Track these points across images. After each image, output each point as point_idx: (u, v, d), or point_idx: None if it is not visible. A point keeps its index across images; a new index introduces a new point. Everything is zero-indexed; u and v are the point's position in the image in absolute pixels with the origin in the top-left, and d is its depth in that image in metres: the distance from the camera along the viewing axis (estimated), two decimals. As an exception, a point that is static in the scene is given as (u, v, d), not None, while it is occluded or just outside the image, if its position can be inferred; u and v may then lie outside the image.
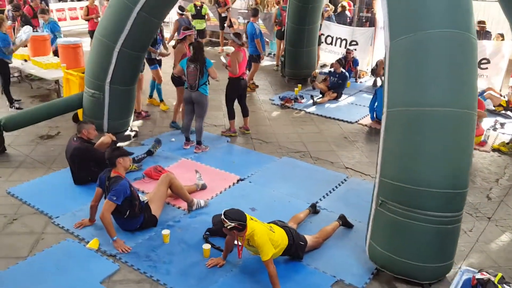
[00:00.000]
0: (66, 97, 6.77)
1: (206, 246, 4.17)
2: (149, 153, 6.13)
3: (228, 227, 3.62)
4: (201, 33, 11.99)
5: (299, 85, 9.67)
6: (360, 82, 10.64)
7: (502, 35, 9.74)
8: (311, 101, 8.88)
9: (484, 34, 10.28)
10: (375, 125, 7.76)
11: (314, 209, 4.92)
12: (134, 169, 5.75)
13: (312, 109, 8.61)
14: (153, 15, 6.03)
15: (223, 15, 13.16)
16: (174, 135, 7.01)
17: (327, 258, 4.24)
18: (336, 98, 9.19)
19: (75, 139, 5.33)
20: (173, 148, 6.51)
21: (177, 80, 6.88)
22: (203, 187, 5.38)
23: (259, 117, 8.15)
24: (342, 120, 8.06)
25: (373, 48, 11.00)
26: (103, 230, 4.44)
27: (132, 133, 6.87)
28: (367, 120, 8.01)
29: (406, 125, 3.66)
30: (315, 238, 4.30)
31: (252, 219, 3.79)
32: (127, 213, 4.37)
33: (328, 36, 11.52)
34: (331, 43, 11.57)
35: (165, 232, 4.38)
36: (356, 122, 8.01)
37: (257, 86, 9.89)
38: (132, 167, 5.74)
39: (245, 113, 7.25)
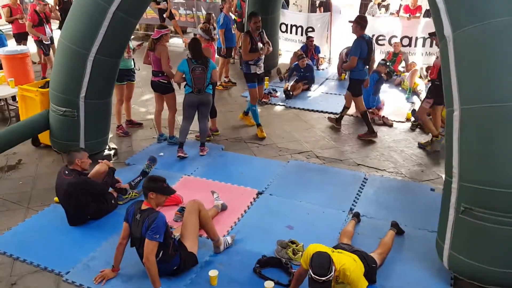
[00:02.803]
0: (27, 119, 5.59)
1: (269, 284, 3.55)
2: (144, 174, 5.29)
3: (328, 280, 3.03)
4: None
5: (267, 78, 9.17)
6: (322, 69, 10.38)
7: None
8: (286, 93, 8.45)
9: None
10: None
11: (358, 218, 4.52)
12: (135, 196, 4.95)
13: (291, 102, 8.16)
14: (131, 14, 5.16)
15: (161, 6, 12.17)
16: (160, 148, 6.19)
17: (397, 275, 3.84)
18: (309, 89, 8.87)
19: (66, 172, 4.36)
20: (167, 165, 5.71)
21: (163, 86, 6.03)
22: (224, 208, 4.74)
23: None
24: (327, 112, 7.72)
25: (330, 33, 10.75)
26: (133, 281, 3.69)
27: (112, 152, 5.94)
28: (351, 109, 7.74)
29: (489, 123, 3.31)
30: (379, 254, 3.87)
31: (333, 251, 3.27)
32: (160, 254, 3.61)
33: (282, 23, 11.07)
34: (285, 31, 11.14)
35: (213, 273, 3.68)
36: (342, 112, 7.72)
37: (234, 84, 9.30)
38: (132, 194, 4.99)
39: (212, 114, 6.61)
